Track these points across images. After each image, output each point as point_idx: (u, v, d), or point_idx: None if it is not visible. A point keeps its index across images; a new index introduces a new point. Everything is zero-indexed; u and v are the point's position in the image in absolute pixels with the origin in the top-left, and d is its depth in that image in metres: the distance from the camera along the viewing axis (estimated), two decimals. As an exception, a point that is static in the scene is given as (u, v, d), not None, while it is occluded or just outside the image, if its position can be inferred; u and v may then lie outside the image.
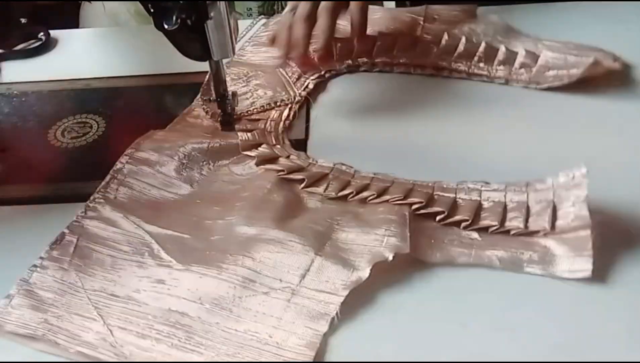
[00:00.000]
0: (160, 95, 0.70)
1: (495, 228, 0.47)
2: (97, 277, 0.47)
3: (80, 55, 0.78)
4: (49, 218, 0.55)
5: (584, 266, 0.44)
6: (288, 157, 0.57)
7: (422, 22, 0.73)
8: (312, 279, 0.45)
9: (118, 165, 0.57)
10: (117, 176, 0.56)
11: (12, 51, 0.78)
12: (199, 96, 0.65)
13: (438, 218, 0.49)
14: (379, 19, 0.73)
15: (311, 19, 0.64)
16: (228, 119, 0.62)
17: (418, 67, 0.68)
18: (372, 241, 0.47)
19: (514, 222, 0.47)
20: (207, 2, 0.53)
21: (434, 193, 0.51)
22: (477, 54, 0.66)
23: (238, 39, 0.74)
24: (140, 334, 0.43)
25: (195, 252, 0.48)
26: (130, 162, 0.57)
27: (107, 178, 0.56)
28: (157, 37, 0.58)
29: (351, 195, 0.52)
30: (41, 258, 0.48)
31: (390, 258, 0.45)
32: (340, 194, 0.52)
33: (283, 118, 0.63)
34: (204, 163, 0.58)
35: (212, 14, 0.54)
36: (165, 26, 0.55)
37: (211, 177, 0.57)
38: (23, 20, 0.81)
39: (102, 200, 0.54)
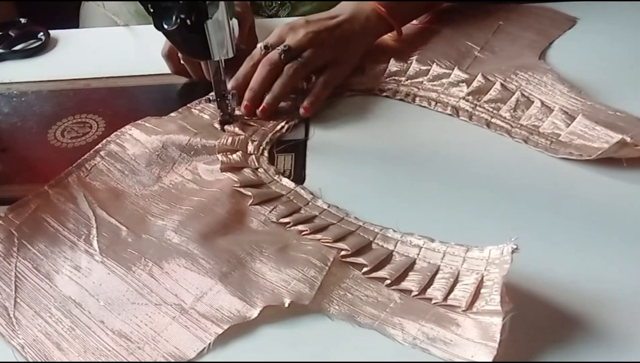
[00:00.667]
0: (160, 95, 0.70)
1: (415, 294, 0.46)
2: (34, 247, 0.52)
3: (80, 55, 0.82)
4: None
5: (485, 357, 0.41)
6: (256, 169, 0.59)
7: (476, 53, 0.73)
8: (204, 303, 0.46)
9: (101, 145, 0.62)
10: (96, 156, 0.61)
11: (12, 51, 0.78)
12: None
13: (363, 270, 0.48)
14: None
15: (276, 71, 0.65)
16: (227, 119, 0.64)
17: (439, 104, 0.66)
18: (280, 280, 0.47)
19: (436, 292, 0.45)
20: (207, 2, 0.53)
21: (375, 240, 0.51)
22: (508, 103, 0.63)
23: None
24: (37, 313, 0.47)
25: (121, 246, 0.51)
26: (115, 143, 0.62)
27: (87, 155, 0.61)
28: (157, 37, 0.58)
29: (289, 225, 0.53)
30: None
31: (287, 305, 0.45)
32: (281, 220, 0.53)
33: (276, 129, 0.64)
34: (179, 158, 0.61)
35: (212, 14, 0.53)
36: (165, 26, 0.56)
37: (179, 174, 0.60)
38: (23, 20, 0.81)
39: (74, 177, 0.59)
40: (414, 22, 0.78)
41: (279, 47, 0.64)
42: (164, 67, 0.74)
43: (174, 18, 0.57)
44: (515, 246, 0.43)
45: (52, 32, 0.84)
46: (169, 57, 0.70)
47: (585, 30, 0.76)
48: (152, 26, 0.58)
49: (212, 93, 0.63)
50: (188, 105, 0.68)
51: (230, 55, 0.60)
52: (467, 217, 0.53)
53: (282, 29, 0.67)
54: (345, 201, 0.55)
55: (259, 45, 0.66)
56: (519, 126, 0.61)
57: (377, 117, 0.66)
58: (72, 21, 1.00)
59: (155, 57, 0.75)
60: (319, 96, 0.66)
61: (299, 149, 0.62)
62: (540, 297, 0.46)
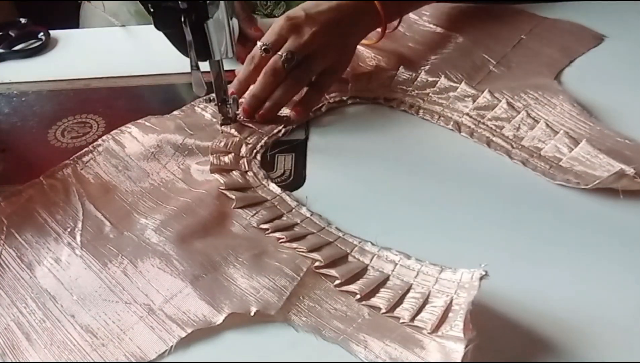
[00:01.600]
0: (160, 95, 0.71)
1: (383, 311, 0.48)
2: (21, 236, 0.56)
3: (80, 55, 0.86)
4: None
5: None
6: (245, 172, 0.61)
7: (491, 68, 0.74)
8: (173, 305, 0.49)
9: (100, 140, 0.66)
10: (93, 151, 0.64)
11: (12, 51, 0.78)
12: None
13: (335, 282, 0.50)
14: None
15: (279, 78, 0.66)
16: (228, 123, 0.68)
17: (442, 118, 0.66)
18: (250, 288, 0.50)
19: (404, 312, 0.47)
20: (207, 2, 0.53)
21: (351, 253, 0.53)
22: (512, 122, 0.64)
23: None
24: (13, 302, 0.50)
25: (102, 242, 0.55)
26: (114, 140, 0.65)
27: (85, 149, 0.65)
28: (157, 37, 0.58)
29: (268, 231, 0.55)
30: None
31: (252, 313, 0.47)
32: (261, 226, 0.55)
33: (273, 132, 0.66)
34: (173, 157, 0.63)
35: (212, 14, 0.54)
36: (166, 26, 0.55)
37: (170, 172, 0.62)
38: (23, 21, 0.82)
39: (69, 169, 0.62)
40: (431, 26, 0.80)
41: (281, 54, 0.66)
42: (164, 67, 0.78)
43: (174, 18, 0.57)
44: (483, 272, 0.45)
45: (52, 32, 0.88)
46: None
47: (611, 50, 0.75)
48: (152, 26, 0.60)
49: (213, 95, 0.66)
50: (192, 103, 0.71)
51: (230, 55, 0.62)
52: (452, 234, 0.54)
53: (281, 26, 0.67)
54: (337, 204, 0.58)
55: (258, 44, 0.68)
56: (519, 146, 0.62)
57: (378, 126, 0.68)
58: (72, 21, 1.03)
59: (155, 57, 0.78)
60: (313, 100, 0.68)
61: (299, 149, 0.64)
62: (522, 322, 0.46)
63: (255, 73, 0.67)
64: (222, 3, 0.59)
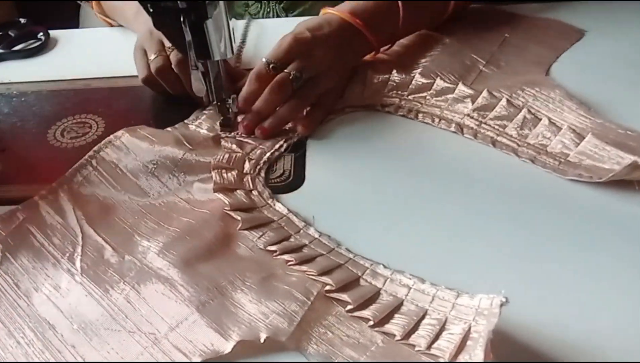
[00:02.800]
0: (160, 95, 0.70)
1: (398, 339, 0.46)
2: (17, 261, 0.53)
3: (80, 55, 0.84)
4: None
5: None
6: (250, 191, 0.59)
7: (482, 68, 0.73)
8: (179, 333, 0.47)
9: (93, 152, 0.62)
10: (88, 166, 0.61)
11: (12, 51, 0.79)
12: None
13: (347, 308, 0.48)
14: None
15: (286, 95, 0.66)
16: (228, 123, 0.66)
17: (443, 120, 0.65)
18: (259, 313, 0.47)
19: (421, 339, 0.45)
20: (207, 2, 0.53)
21: (363, 276, 0.50)
22: (514, 120, 0.63)
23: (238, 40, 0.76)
24: (10, 332, 0.48)
25: (103, 267, 0.52)
26: (107, 151, 0.62)
27: (79, 163, 0.62)
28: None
29: (276, 253, 0.53)
30: None
31: (262, 340, 0.45)
32: (268, 248, 0.53)
33: (274, 148, 0.64)
34: (173, 173, 0.61)
35: (211, 14, 0.54)
36: (165, 26, 0.55)
37: (171, 191, 0.60)
38: (23, 21, 0.82)
39: (65, 188, 0.60)
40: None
41: (289, 72, 0.65)
42: None
43: (174, 18, 0.57)
44: (504, 299, 0.42)
45: (52, 32, 0.87)
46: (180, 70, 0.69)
47: (593, 44, 0.75)
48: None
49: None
50: (185, 121, 0.68)
51: (230, 55, 0.61)
52: (464, 241, 0.52)
53: (290, 45, 0.66)
54: (337, 206, 0.57)
55: (264, 60, 0.66)
56: (525, 144, 0.61)
57: (378, 128, 0.67)
58: (72, 21, 1.02)
59: None
60: (319, 117, 0.68)
61: (298, 150, 0.64)
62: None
63: (260, 90, 0.65)
64: (221, 3, 0.57)
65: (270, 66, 0.65)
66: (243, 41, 0.80)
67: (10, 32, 0.85)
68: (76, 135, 0.68)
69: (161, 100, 0.73)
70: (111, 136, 0.63)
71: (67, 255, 0.53)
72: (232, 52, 0.61)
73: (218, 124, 0.66)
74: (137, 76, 0.71)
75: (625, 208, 0.54)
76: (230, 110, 0.65)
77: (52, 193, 0.59)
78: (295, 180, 0.60)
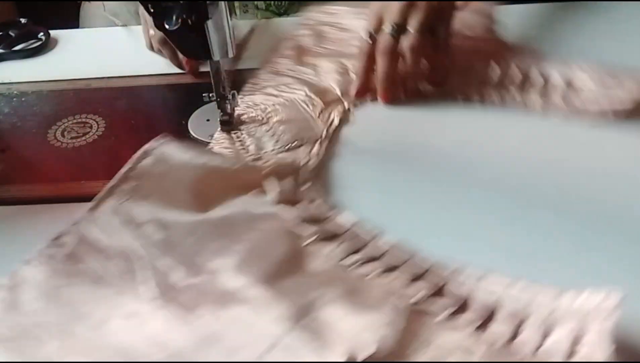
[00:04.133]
0: (160, 95, 0.71)
1: (500, 344, 0.43)
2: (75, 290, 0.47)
3: (80, 55, 0.84)
4: (49, 218, 0.57)
5: None
6: (312, 202, 0.55)
7: None
8: (274, 356, 0.42)
9: (131, 163, 0.56)
10: (127, 179, 0.55)
11: (12, 51, 0.78)
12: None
13: (438, 317, 0.45)
14: None
15: (397, 54, 0.65)
16: (228, 120, 0.65)
17: (449, 96, 0.66)
18: (358, 326, 0.44)
19: (524, 344, 0.42)
20: (207, 2, 0.53)
21: (448, 282, 0.47)
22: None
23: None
24: None
25: (172, 291, 0.47)
26: (149, 157, 0.57)
27: (116, 179, 0.55)
28: (157, 37, 0.58)
29: (351, 266, 0.50)
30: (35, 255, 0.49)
31: (373, 350, 0.42)
32: (343, 262, 0.50)
33: (312, 155, 0.62)
34: (223, 190, 0.56)
35: (212, 14, 0.54)
36: (166, 26, 0.55)
37: (225, 205, 0.55)
38: (23, 21, 0.82)
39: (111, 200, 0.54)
40: None
41: (385, 30, 0.64)
42: (164, 67, 0.77)
43: (174, 18, 0.57)
44: (619, 298, 0.39)
45: (52, 32, 0.87)
46: None
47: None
48: (152, 26, 0.59)
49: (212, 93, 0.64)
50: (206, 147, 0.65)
51: (230, 55, 0.61)
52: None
53: (375, 11, 0.65)
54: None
55: (384, 28, 0.65)
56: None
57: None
58: (72, 21, 1.02)
59: (155, 57, 0.77)
60: (444, 62, 0.66)
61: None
62: None
63: (370, 63, 0.65)
64: (222, 3, 0.58)
65: (366, 36, 0.64)
66: (243, 41, 0.80)
67: (10, 32, 0.85)
68: (76, 135, 0.67)
69: (161, 100, 0.74)
70: (147, 146, 0.57)
71: (129, 278, 0.47)
72: (233, 52, 0.61)
73: (218, 122, 0.65)
74: (137, 76, 0.72)
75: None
76: (230, 106, 0.65)
77: (96, 211, 0.52)
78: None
